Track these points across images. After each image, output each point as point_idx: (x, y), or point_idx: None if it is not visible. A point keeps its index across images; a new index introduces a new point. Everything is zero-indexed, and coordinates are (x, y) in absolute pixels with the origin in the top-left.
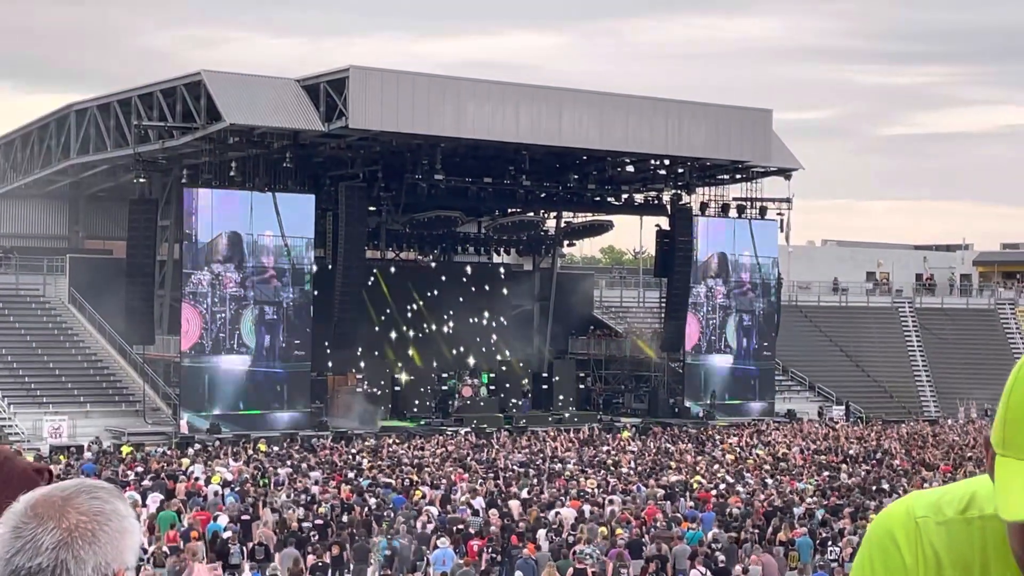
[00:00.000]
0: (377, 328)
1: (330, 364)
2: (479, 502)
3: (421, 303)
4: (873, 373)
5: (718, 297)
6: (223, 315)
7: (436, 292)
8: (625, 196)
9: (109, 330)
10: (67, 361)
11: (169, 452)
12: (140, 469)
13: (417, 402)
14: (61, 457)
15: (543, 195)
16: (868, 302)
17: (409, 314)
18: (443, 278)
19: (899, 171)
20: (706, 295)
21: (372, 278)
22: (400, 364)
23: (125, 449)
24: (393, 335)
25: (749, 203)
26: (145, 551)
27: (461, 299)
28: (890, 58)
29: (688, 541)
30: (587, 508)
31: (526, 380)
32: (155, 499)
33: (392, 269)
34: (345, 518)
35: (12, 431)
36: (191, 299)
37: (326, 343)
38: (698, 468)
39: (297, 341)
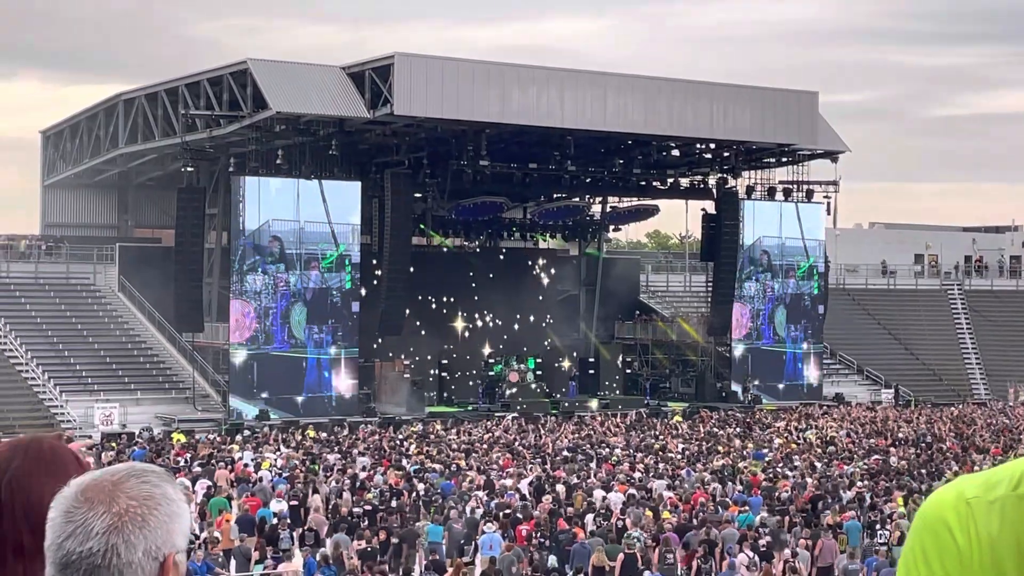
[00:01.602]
0: (424, 314)
1: (377, 350)
2: (526, 487)
3: (467, 289)
4: (922, 356)
5: (767, 291)
6: (275, 310)
7: (482, 278)
8: (671, 180)
9: (159, 318)
10: (117, 348)
11: (219, 439)
12: (189, 456)
13: (464, 387)
14: (112, 444)
15: (588, 180)
16: (916, 285)
17: (455, 300)
18: (489, 264)
19: (947, 152)
20: (757, 290)
21: (418, 263)
22: (447, 350)
23: (176, 436)
24: (440, 321)
25: (796, 186)
26: (196, 536)
27: (507, 285)
28: (936, 39)
29: (739, 524)
30: (634, 492)
31: (569, 364)
32: (204, 485)
33: (438, 255)
34: (394, 503)
35: (64, 418)
36: (245, 296)
37: (373, 329)
38: (745, 452)
39: (344, 328)
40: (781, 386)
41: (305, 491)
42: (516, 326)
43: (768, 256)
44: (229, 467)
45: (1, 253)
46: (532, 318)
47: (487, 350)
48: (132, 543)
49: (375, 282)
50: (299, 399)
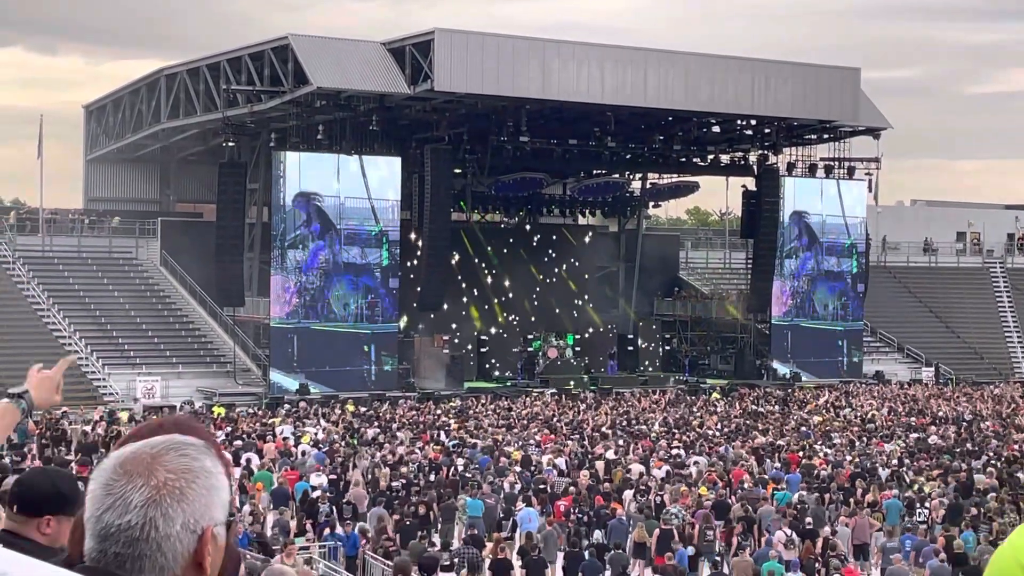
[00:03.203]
0: (463, 290)
1: (417, 325)
2: (564, 463)
3: (506, 265)
4: (963, 334)
5: (808, 268)
6: (315, 285)
7: (521, 254)
8: (711, 157)
9: (200, 292)
10: (159, 323)
11: (260, 412)
12: (229, 429)
13: (503, 363)
14: (154, 418)
15: (628, 156)
16: (958, 263)
17: (494, 276)
18: (528, 240)
19: (990, 129)
20: (797, 267)
21: (457, 239)
22: (486, 325)
23: (217, 409)
24: (479, 297)
25: (837, 163)
26: (239, 509)
27: (546, 261)
28: (979, 15)
29: (777, 503)
30: (672, 469)
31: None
32: (247, 459)
33: (477, 231)
34: (433, 478)
35: (106, 391)
36: (285, 271)
37: (413, 304)
38: (784, 430)
39: (384, 303)
40: (820, 364)
41: (345, 465)
42: (555, 302)
43: (809, 233)
44: (272, 440)
45: (45, 227)
46: (571, 294)
47: (526, 326)
48: (170, 516)
49: (414, 258)
50: (338, 373)
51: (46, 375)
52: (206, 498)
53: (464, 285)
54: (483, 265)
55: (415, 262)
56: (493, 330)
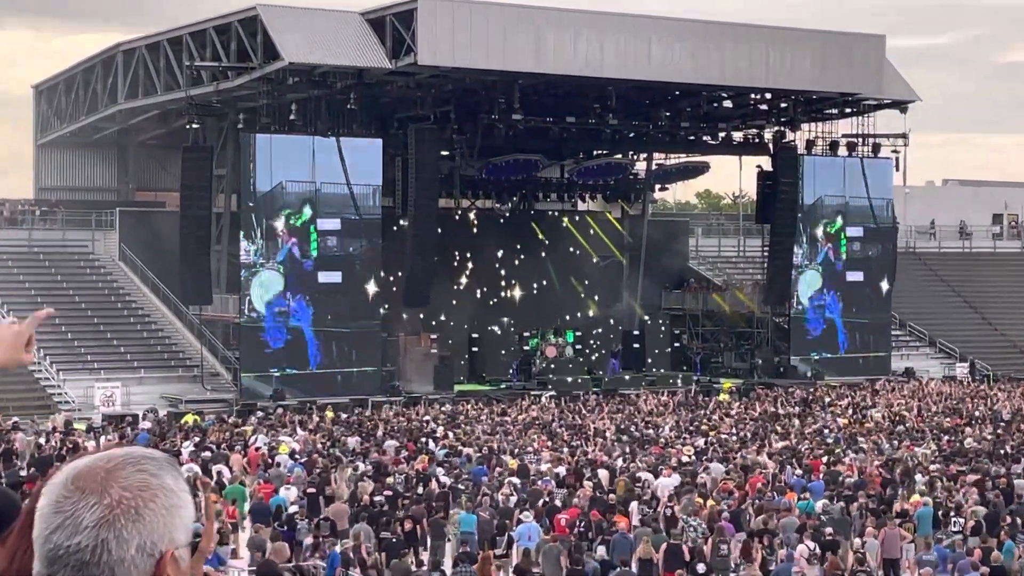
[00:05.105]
0: (452, 283)
1: (402, 323)
2: (564, 472)
3: (499, 256)
4: (1001, 326)
5: (828, 256)
6: (290, 279)
7: (516, 243)
8: (723, 134)
9: (163, 289)
10: (119, 323)
11: (230, 421)
12: (198, 439)
13: (496, 364)
14: (115, 428)
15: (632, 135)
16: (995, 247)
17: (486, 268)
18: (523, 228)
19: None
20: (817, 255)
21: (445, 228)
22: (478, 322)
23: (188, 418)
24: (469, 291)
25: (861, 140)
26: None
27: (543, 251)
28: None
29: (800, 512)
30: (684, 478)
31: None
32: (218, 471)
33: (468, 218)
34: (421, 490)
35: (62, 399)
36: (257, 267)
37: (397, 300)
38: (806, 433)
39: (365, 299)
40: (845, 360)
41: (324, 477)
42: (553, 296)
43: (830, 218)
44: (243, 452)
45: None
46: (570, 287)
47: (521, 323)
48: (124, 538)
49: (398, 249)
50: (316, 375)
51: (17, 330)
52: (166, 519)
53: (453, 279)
54: (474, 257)
55: (400, 253)
56: (486, 328)
